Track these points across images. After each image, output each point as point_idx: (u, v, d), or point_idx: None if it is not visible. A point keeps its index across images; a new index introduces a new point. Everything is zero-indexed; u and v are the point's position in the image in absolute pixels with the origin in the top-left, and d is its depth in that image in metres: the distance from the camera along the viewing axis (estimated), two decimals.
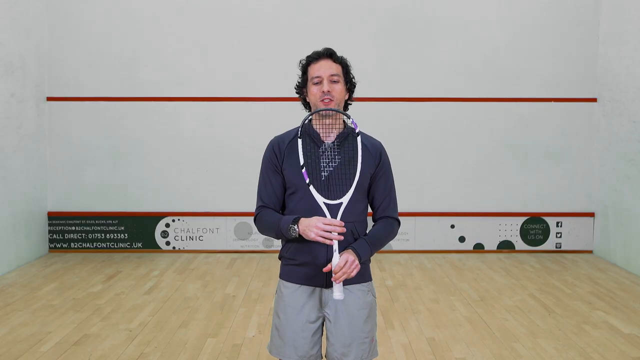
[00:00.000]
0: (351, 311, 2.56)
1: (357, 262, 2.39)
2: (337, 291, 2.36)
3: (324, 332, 2.64)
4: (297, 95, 2.68)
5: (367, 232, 2.58)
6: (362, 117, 7.45)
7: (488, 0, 7.56)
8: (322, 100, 2.52)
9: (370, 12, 7.54)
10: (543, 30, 7.57)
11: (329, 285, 2.55)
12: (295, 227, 2.43)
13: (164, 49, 7.54)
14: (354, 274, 2.38)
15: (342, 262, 2.36)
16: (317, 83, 2.55)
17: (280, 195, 2.61)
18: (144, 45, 7.53)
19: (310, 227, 2.38)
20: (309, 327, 2.58)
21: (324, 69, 2.54)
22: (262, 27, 7.54)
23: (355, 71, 2.69)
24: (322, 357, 2.66)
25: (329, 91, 2.52)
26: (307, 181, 2.45)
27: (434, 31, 7.57)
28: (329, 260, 2.49)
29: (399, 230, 7.56)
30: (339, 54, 2.63)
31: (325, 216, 2.42)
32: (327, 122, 2.54)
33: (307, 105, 2.65)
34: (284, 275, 2.62)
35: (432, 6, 7.55)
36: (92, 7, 7.49)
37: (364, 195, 2.59)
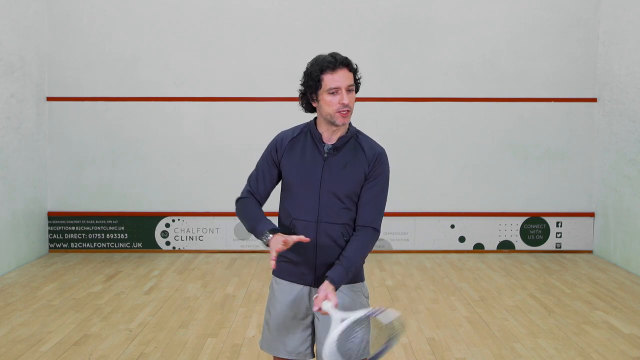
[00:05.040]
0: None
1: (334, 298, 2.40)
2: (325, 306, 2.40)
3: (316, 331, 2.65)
4: (298, 95, 2.60)
5: (344, 251, 2.53)
6: (362, 117, 7.49)
7: (488, 0, 7.57)
8: (340, 112, 2.48)
9: (370, 12, 7.53)
10: (543, 30, 7.57)
11: (318, 284, 2.56)
12: (270, 236, 2.46)
13: (164, 49, 7.53)
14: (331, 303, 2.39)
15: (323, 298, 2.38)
16: (333, 93, 2.48)
17: (269, 188, 2.69)
18: (144, 45, 7.52)
19: (272, 246, 2.41)
20: (297, 323, 2.61)
21: (343, 79, 2.47)
22: (262, 26, 7.54)
23: None
24: (313, 355, 2.67)
25: (347, 104, 2.47)
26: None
27: (434, 31, 7.56)
28: (318, 260, 2.54)
29: (399, 230, 7.67)
30: (338, 53, 2.59)
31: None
32: (334, 128, 2.55)
33: (309, 108, 2.60)
34: (277, 272, 2.67)
35: (432, 6, 7.54)
36: (92, 7, 7.49)
37: (354, 201, 2.58)
